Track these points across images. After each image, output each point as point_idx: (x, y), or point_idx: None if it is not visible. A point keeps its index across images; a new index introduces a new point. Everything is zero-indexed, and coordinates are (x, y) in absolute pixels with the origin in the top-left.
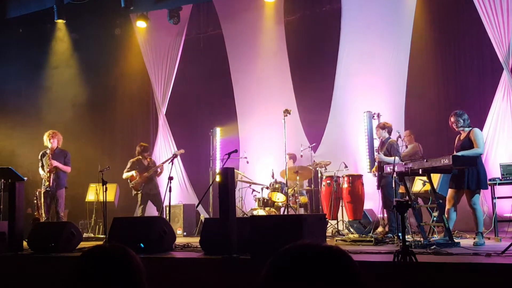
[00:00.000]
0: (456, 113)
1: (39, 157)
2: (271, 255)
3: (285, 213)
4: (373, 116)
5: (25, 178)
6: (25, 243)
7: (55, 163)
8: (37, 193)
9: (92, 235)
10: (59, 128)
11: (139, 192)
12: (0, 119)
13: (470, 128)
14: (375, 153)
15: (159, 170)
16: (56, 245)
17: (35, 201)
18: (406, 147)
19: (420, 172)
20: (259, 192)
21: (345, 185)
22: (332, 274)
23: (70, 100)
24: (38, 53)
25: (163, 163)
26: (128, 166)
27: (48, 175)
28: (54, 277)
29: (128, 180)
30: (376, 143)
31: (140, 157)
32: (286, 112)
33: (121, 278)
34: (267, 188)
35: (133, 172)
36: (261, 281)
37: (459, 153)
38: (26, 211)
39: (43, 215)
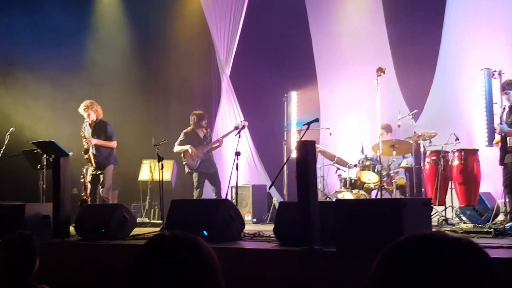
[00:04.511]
0: None
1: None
2: (361, 248)
3: (378, 196)
4: (493, 75)
5: (70, 153)
6: (72, 228)
7: (94, 140)
8: (84, 170)
9: (147, 220)
10: (107, 98)
11: (194, 171)
12: (40, 88)
13: None
14: (495, 123)
15: (218, 143)
16: (107, 231)
17: (82, 180)
18: None
19: None
20: (344, 171)
21: (456, 162)
22: (464, 271)
23: (119, 66)
24: (82, 14)
25: (224, 136)
26: (181, 138)
27: (87, 155)
28: (105, 268)
29: (182, 156)
30: (497, 109)
31: (195, 128)
32: (380, 71)
33: (197, 273)
34: (355, 166)
35: (188, 147)
36: (373, 275)
37: None
38: (72, 191)
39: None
